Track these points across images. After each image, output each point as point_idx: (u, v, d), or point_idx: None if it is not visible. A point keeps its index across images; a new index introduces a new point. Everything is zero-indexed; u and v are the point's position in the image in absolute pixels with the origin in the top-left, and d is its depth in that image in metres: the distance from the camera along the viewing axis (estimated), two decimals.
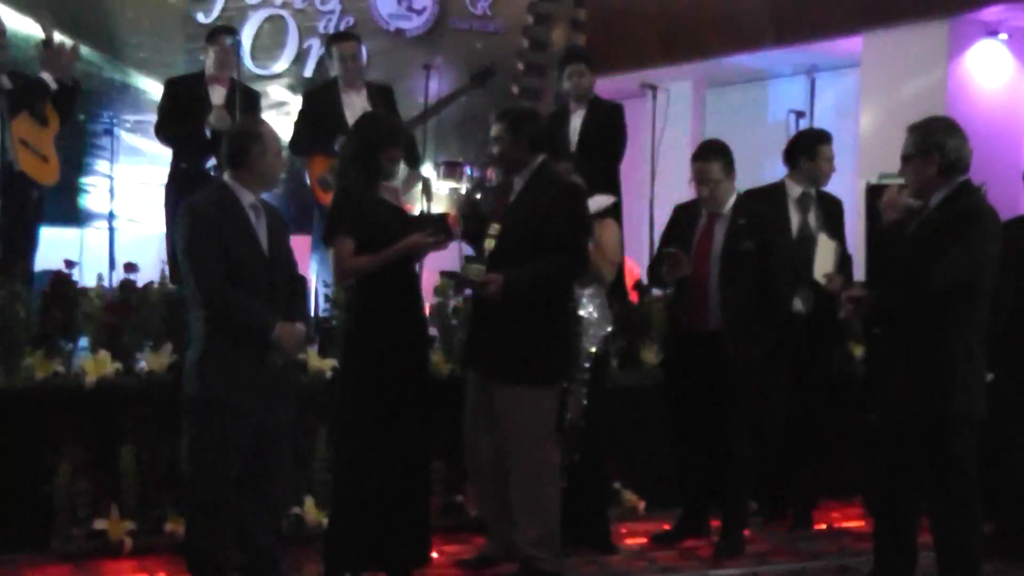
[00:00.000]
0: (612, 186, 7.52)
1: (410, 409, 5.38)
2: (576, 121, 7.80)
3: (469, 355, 5.65)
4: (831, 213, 6.78)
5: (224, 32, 7.87)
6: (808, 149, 6.80)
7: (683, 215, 6.32)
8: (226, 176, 5.03)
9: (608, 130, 7.74)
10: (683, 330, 6.19)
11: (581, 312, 5.99)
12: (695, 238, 6.14)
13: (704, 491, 6.33)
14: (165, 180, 7.93)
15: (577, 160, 6.35)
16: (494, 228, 5.33)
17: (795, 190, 6.76)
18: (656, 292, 7.02)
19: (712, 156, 6.14)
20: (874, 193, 6.69)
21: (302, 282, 5.39)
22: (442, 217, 5.93)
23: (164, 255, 7.36)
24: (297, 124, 8.08)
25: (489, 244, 5.34)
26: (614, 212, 6.79)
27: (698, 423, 6.18)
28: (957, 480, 5.01)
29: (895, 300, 5.05)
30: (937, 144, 4.95)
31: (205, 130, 7.47)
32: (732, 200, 6.14)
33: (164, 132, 7.76)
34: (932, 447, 5.01)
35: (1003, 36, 9.85)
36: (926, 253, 4.90)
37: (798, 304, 6.46)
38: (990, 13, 9.54)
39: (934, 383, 4.94)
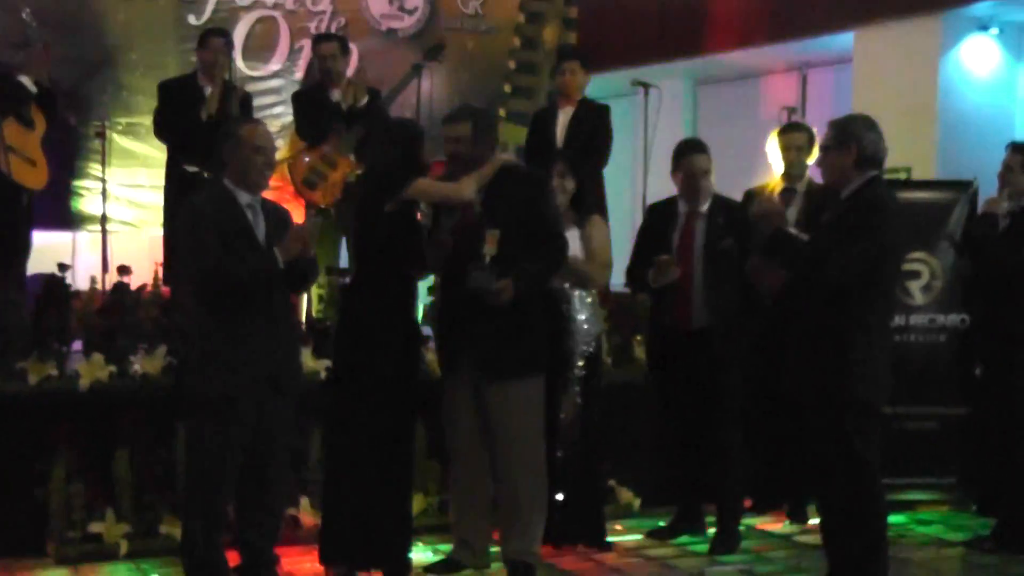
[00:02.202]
0: (596, 186, 7.53)
1: (396, 408, 5.38)
2: (563, 119, 7.79)
3: (462, 359, 5.51)
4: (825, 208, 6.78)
5: (215, 34, 7.87)
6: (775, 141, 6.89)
7: (659, 215, 6.38)
8: (224, 178, 5.13)
9: (594, 131, 7.74)
10: (666, 329, 6.22)
11: (573, 313, 6.00)
12: (675, 237, 6.19)
13: (698, 487, 6.35)
14: (158, 182, 7.93)
15: (567, 157, 6.34)
16: (493, 233, 5.31)
17: (781, 185, 6.80)
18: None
19: (705, 149, 6.26)
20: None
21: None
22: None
23: (157, 257, 7.37)
24: (297, 114, 8.11)
25: (490, 251, 5.30)
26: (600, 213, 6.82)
27: (688, 420, 6.21)
28: (850, 467, 4.96)
29: (798, 285, 5.10)
30: (855, 137, 5.02)
31: (202, 116, 7.45)
32: (710, 199, 6.21)
33: (164, 128, 7.71)
34: (831, 433, 4.98)
35: (994, 31, 9.84)
36: (830, 241, 4.95)
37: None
38: (981, 8, 9.54)
39: (832, 369, 4.93)
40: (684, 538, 6.35)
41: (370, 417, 5.32)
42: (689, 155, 6.23)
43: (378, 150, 5.60)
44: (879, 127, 5.10)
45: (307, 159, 7.78)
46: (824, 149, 5.16)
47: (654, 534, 6.42)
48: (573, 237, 5.94)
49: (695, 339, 6.08)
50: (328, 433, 5.59)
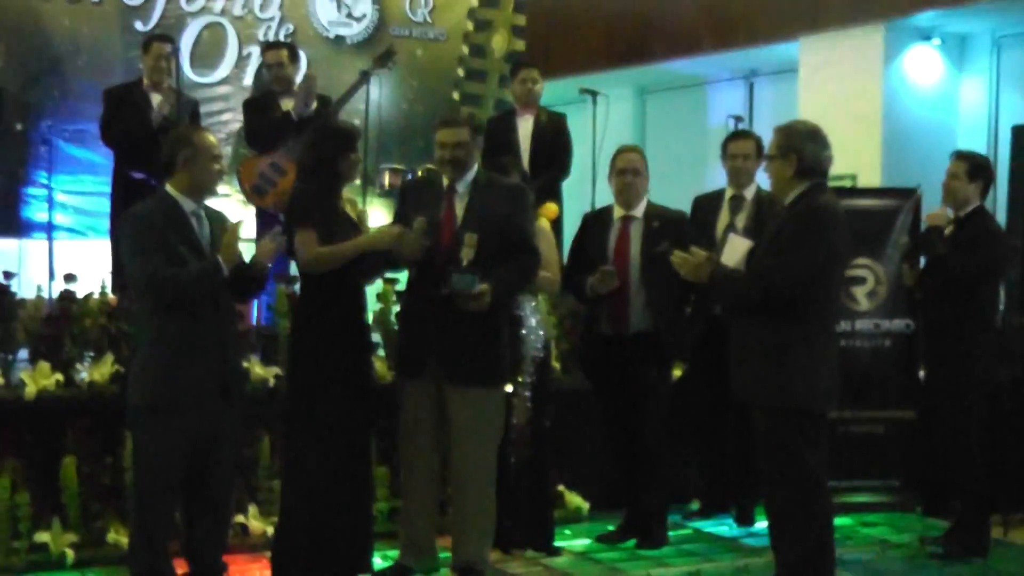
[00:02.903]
0: (554, 196, 7.63)
1: (353, 416, 5.39)
2: (525, 127, 7.87)
3: (428, 363, 5.47)
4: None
5: (160, 40, 7.83)
6: (722, 149, 6.97)
7: (593, 222, 6.48)
8: (166, 185, 5.06)
9: (556, 141, 7.84)
10: (602, 335, 6.28)
11: (524, 319, 6.02)
12: (610, 244, 6.26)
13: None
14: (105, 189, 7.88)
15: (519, 168, 6.42)
16: (470, 238, 5.33)
17: (729, 192, 6.88)
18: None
19: (637, 150, 6.44)
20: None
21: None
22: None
23: (104, 265, 7.32)
24: (247, 121, 8.10)
25: (468, 254, 5.32)
26: (555, 223, 6.90)
27: (624, 425, 6.27)
28: (796, 473, 4.97)
29: (735, 291, 5.10)
30: (796, 148, 5.04)
31: (151, 120, 7.41)
32: (644, 204, 6.29)
33: (111, 134, 7.66)
34: (776, 439, 5.00)
35: (936, 41, 10.00)
36: (769, 249, 4.98)
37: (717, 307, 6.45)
38: (923, 19, 9.69)
39: (776, 377, 4.94)
40: (633, 542, 6.38)
41: (326, 426, 5.33)
42: (620, 153, 6.36)
43: (299, 164, 5.62)
44: (823, 135, 5.11)
45: (257, 166, 7.77)
46: (768, 158, 5.19)
47: (603, 538, 6.45)
48: None
49: (631, 344, 6.16)
50: (285, 443, 5.58)
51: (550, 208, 6.82)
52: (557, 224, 7.53)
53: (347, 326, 5.43)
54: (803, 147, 5.03)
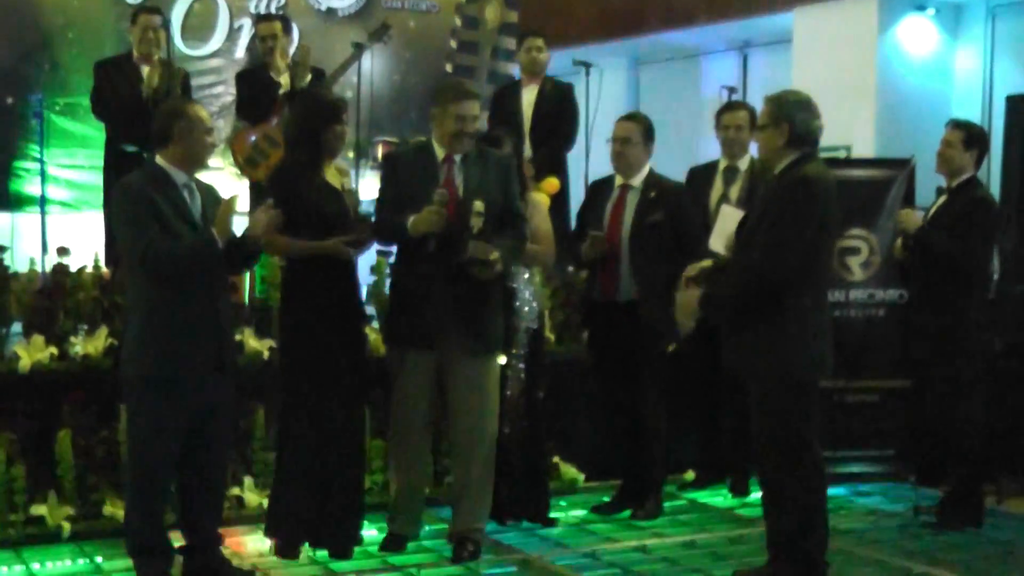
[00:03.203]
0: (559, 168, 7.62)
1: (347, 388, 5.39)
2: (528, 96, 7.87)
3: (435, 334, 5.45)
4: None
5: (147, 11, 7.79)
6: (715, 120, 6.97)
7: (597, 191, 6.50)
8: (157, 157, 5.04)
9: (561, 110, 7.84)
10: (596, 302, 6.33)
11: (517, 290, 6.02)
12: (607, 211, 6.29)
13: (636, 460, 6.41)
14: (97, 162, 7.85)
15: (512, 139, 6.40)
16: (478, 206, 5.36)
17: (722, 163, 6.88)
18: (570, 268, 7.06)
19: (634, 119, 6.39)
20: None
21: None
22: (366, 219, 5.77)
23: (97, 238, 7.31)
24: (239, 94, 8.07)
25: (477, 222, 5.35)
26: (559, 194, 6.90)
27: (622, 393, 6.28)
28: (790, 443, 4.97)
29: (730, 303, 5.05)
30: (787, 117, 5.02)
31: (143, 95, 7.38)
32: (644, 173, 6.29)
33: (102, 106, 7.64)
34: (769, 410, 5.01)
35: (930, 11, 9.97)
36: (758, 225, 4.96)
37: None
38: None
39: (768, 348, 4.93)
40: (628, 512, 6.40)
41: (319, 399, 5.34)
42: (617, 121, 6.38)
43: (285, 136, 5.63)
44: (814, 105, 5.09)
45: (250, 138, 7.75)
46: (760, 127, 5.18)
47: (598, 509, 6.47)
48: None
49: (622, 312, 6.17)
50: (280, 414, 5.58)
51: (551, 183, 6.83)
52: (561, 197, 7.53)
53: (340, 297, 5.43)
54: (794, 116, 5.03)
